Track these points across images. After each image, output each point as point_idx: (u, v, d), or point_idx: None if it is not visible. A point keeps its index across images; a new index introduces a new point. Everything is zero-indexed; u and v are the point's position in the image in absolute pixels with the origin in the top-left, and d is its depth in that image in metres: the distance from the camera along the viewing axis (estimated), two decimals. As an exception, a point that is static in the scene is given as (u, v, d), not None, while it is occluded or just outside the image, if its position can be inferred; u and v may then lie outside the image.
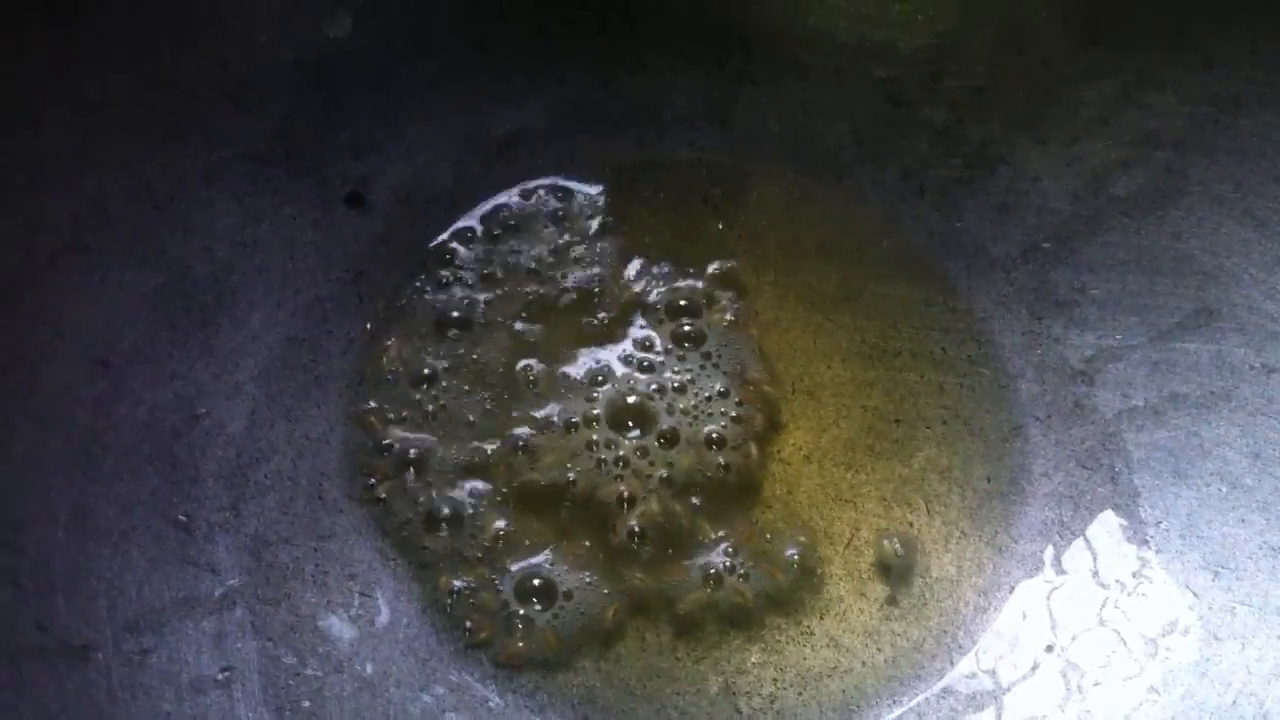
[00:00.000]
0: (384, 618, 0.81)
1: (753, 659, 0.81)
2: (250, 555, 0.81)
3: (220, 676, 0.76)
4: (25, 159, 0.80)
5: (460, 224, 0.93)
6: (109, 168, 0.83)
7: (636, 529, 0.83)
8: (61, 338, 0.80)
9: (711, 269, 0.93)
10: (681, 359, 0.89)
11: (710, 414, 0.87)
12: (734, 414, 0.88)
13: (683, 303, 0.91)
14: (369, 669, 0.79)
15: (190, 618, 0.78)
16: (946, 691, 0.81)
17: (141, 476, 0.80)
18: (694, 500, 0.85)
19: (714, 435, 0.87)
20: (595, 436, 0.86)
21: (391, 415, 0.87)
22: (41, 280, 0.80)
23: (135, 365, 0.82)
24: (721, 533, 0.84)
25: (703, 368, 0.89)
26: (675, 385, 0.88)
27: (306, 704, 0.77)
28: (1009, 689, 0.81)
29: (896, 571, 0.84)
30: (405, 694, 0.78)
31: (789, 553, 0.84)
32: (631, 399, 0.87)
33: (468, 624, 0.81)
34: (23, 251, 0.79)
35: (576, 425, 0.86)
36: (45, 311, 0.80)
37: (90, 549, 0.76)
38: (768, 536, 0.85)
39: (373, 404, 0.87)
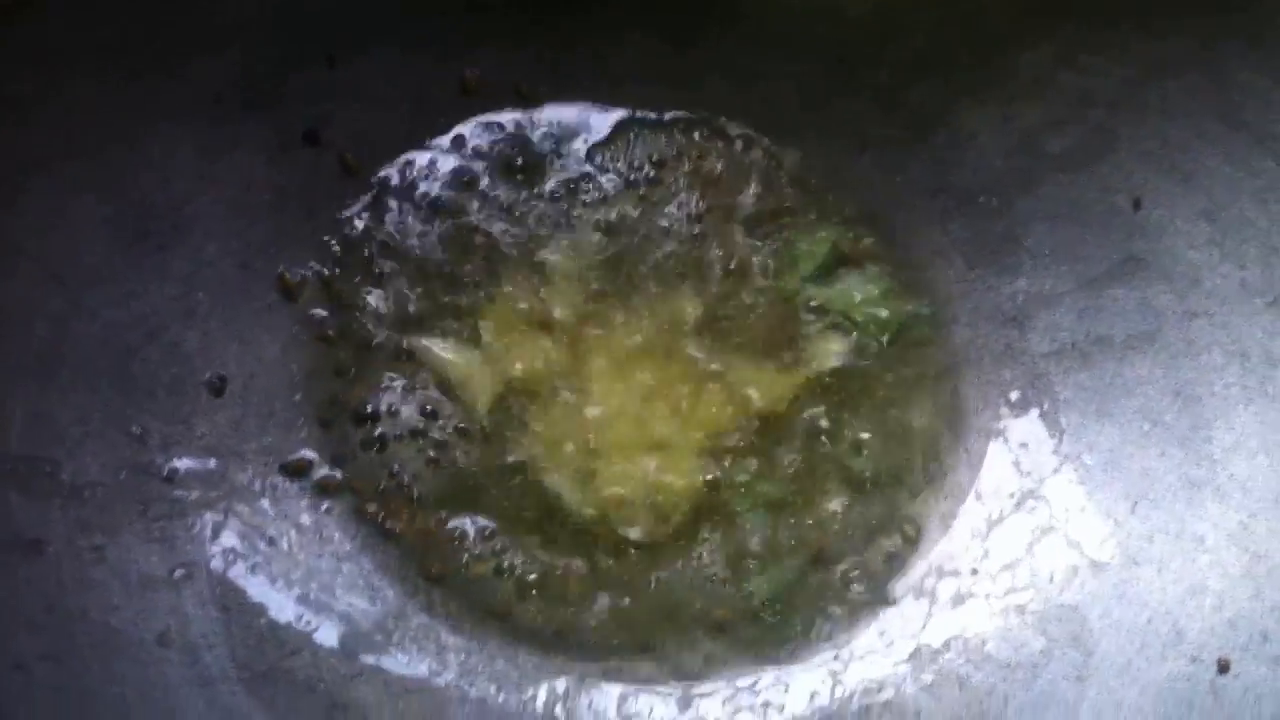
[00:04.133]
0: (332, 531, 0.83)
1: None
2: (201, 467, 0.83)
3: (170, 576, 0.78)
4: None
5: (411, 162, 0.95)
6: (74, 98, 0.84)
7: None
8: (21, 255, 0.81)
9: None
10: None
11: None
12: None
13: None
14: (311, 579, 0.81)
15: (142, 521, 0.79)
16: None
17: (96, 389, 0.82)
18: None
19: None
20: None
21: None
22: (3, 204, 0.81)
23: (92, 284, 0.84)
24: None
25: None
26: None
27: (254, 599, 0.78)
28: (940, 608, 0.84)
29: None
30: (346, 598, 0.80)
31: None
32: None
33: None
34: (-12, 170, 0.81)
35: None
36: (6, 232, 0.81)
37: (44, 452, 0.78)
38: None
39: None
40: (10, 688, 0.70)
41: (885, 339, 0.93)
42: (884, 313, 0.94)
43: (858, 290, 0.94)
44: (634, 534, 0.87)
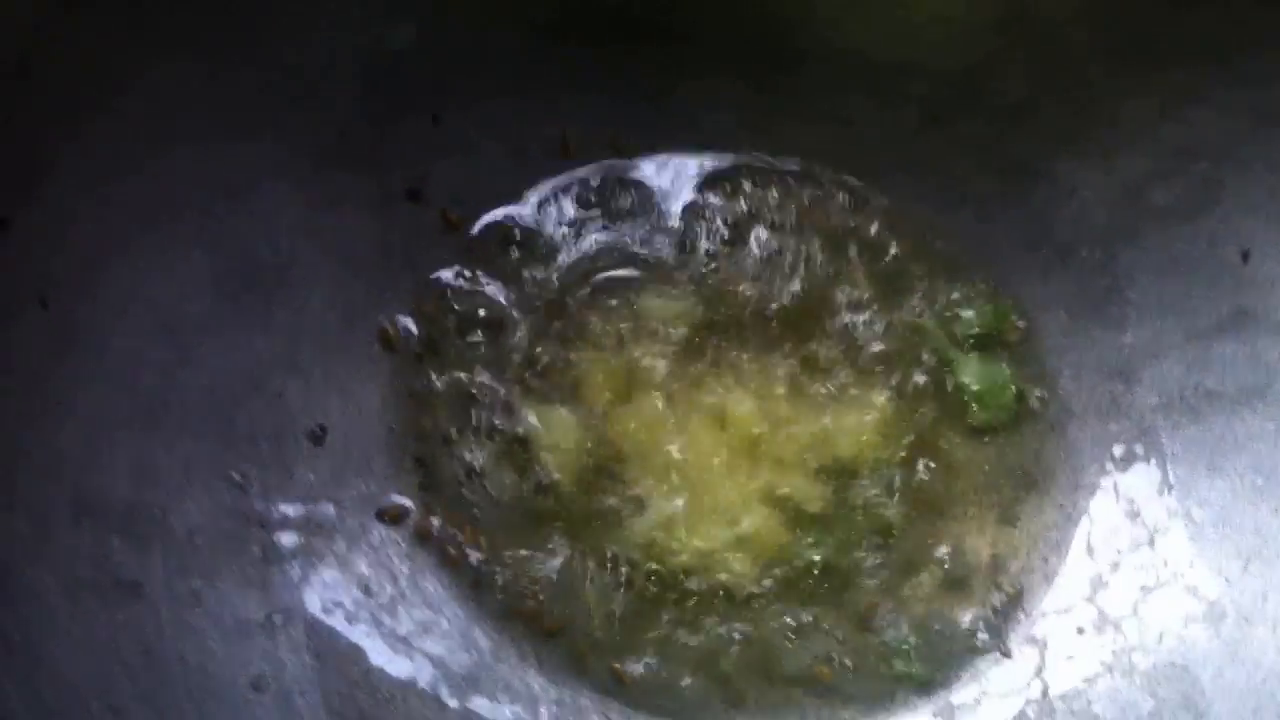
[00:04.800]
0: (427, 579, 0.84)
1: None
2: (301, 516, 0.84)
3: (265, 621, 0.79)
4: (103, 143, 0.84)
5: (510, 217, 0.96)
6: (181, 156, 0.87)
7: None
8: (131, 302, 0.83)
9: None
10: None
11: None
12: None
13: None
14: (405, 625, 0.81)
15: (239, 566, 0.80)
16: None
17: (201, 437, 0.83)
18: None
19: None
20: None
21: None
22: (116, 254, 0.83)
23: (200, 335, 0.86)
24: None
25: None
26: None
27: (348, 647, 0.79)
28: (1045, 667, 0.82)
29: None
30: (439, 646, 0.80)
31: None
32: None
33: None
34: (99, 227, 0.83)
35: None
36: (118, 282, 0.83)
37: (148, 498, 0.79)
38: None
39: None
40: (106, 728, 0.71)
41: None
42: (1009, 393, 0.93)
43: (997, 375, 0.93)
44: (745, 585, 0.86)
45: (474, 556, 0.86)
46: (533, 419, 0.89)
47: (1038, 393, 0.92)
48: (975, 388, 0.91)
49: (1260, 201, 0.90)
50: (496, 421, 0.89)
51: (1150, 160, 0.93)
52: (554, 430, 0.89)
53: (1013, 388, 0.92)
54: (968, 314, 0.94)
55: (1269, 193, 0.90)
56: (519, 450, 0.89)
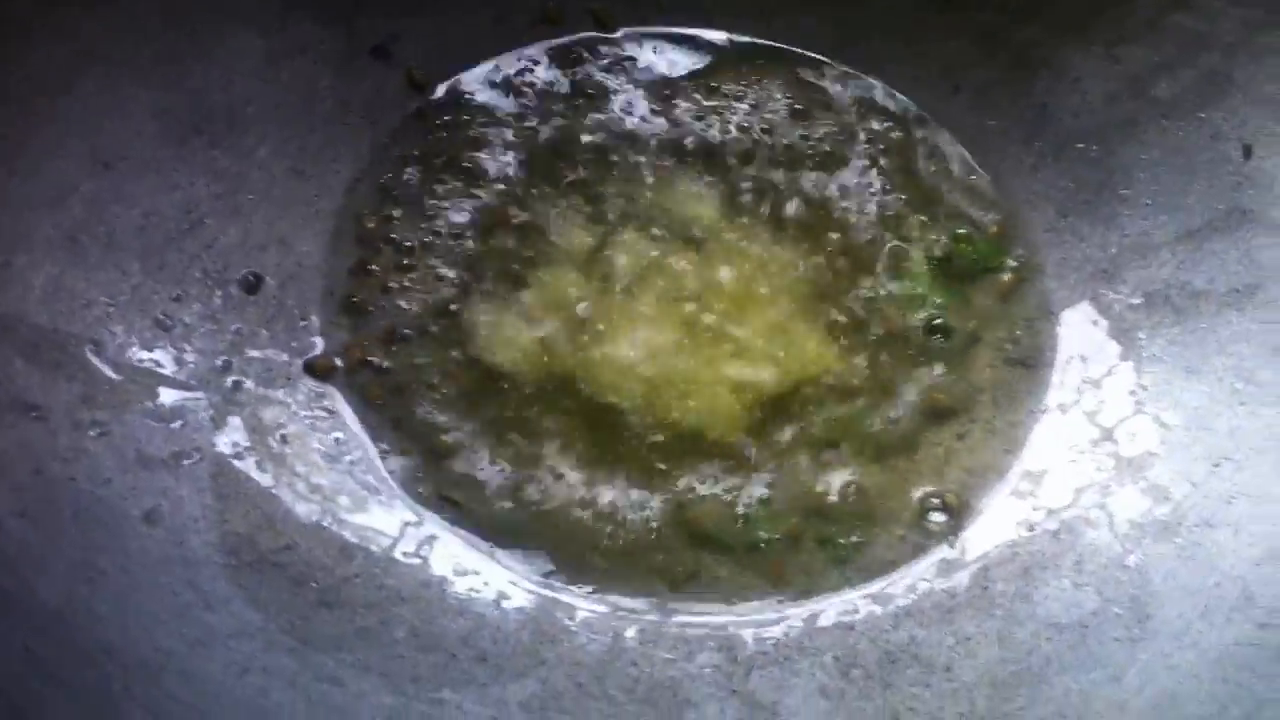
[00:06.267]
0: (349, 437, 0.81)
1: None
2: (222, 360, 0.81)
3: (169, 459, 0.76)
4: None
5: (478, 82, 0.93)
6: (141, -10, 0.84)
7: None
8: (69, 136, 0.81)
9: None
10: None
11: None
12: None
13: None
14: (320, 477, 0.78)
15: (151, 405, 0.77)
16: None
17: (127, 272, 0.81)
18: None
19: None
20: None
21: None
22: (58, 83, 0.81)
23: (138, 172, 0.83)
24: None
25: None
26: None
27: (253, 492, 0.76)
28: (987, 562, 0.77)
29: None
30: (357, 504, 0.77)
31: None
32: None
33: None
34: (47, 53, 0.81)
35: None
36: (57, 111, 0.81)
37: (61, 326, 0.76)
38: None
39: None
40: (-25, 538, 0.69)
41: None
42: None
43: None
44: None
45: (393, 413, 0.82)
46: (477, 316, 0.85)
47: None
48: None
49: (1269, 95, 0.85)
50: (430, 301, 0.85)
51: (1158, 51, 0.88)
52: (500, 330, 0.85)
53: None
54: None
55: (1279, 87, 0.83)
56: (454, 331, 0.85)
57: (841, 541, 0.80)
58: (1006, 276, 0.87)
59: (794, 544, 0.80)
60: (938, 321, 0.86)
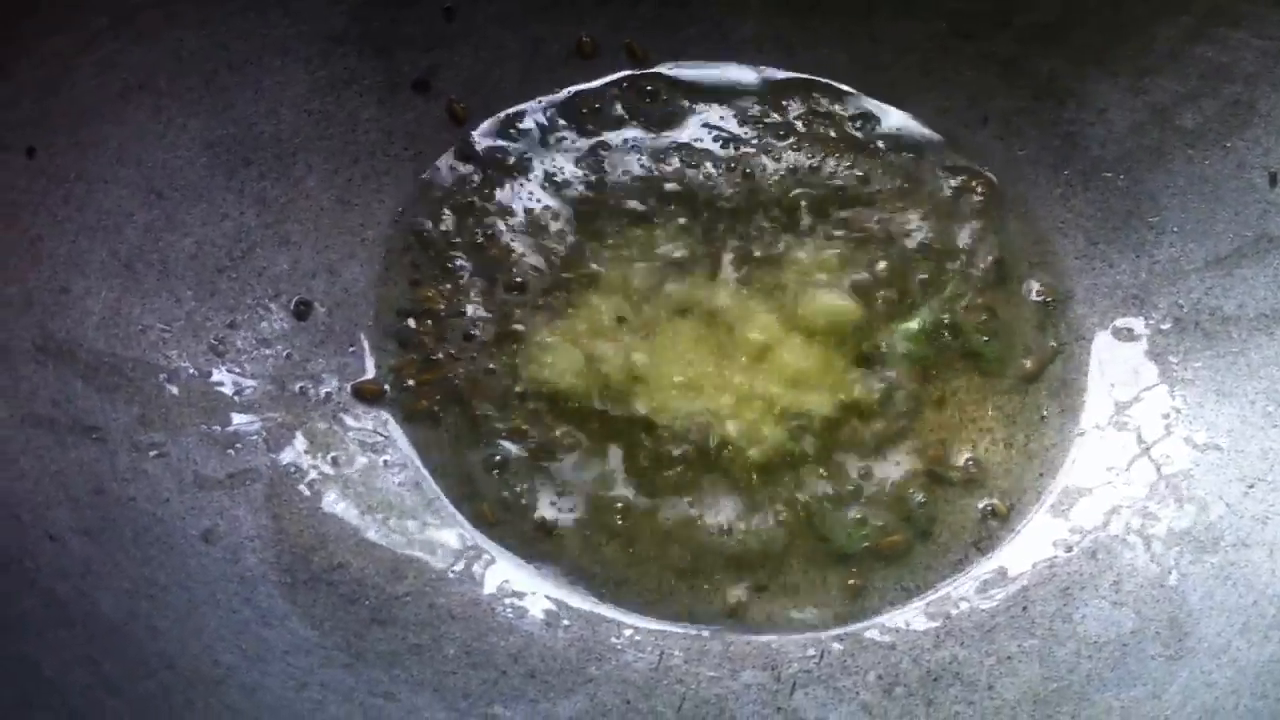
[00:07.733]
0: (398, 458, 0.82)
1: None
2: (274, 385, 0.83)
3: (226, 480, 0.77)
4: (108, 5, 0.83)
5: (518, 116, 0.95)
6: (189, 24, 0.86)
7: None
8: (121, 165, 0.83)
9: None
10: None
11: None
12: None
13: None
14: (371, 498, 0.80)
15: (206, 427, 0.79)
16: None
17: (181, 298, 0.82)
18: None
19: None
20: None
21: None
22: (110, 114, 0.83)
23: (189, 202, 0.85)
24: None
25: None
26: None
27: (307, 512, 0.77)
28: (1027, 583, 0.79)
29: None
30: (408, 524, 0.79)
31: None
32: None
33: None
34: (97, 84, 0.83)
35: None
36: (109, 140, 0.83)
37: (118, 350, 0.78)
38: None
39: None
40: (39, 554, 0.70)
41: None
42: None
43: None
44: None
45: (449, 436, 0.84)
46: (526, 339, 0.87)
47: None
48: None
49: (1293, 125, 0.86)
50: (475, 333, 0.87)
51: (1181, 82, 0.89)
52: (549, 354, 0.87)
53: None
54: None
55: (1303, 116, 0.86)
56: (503, 355, 0.86)
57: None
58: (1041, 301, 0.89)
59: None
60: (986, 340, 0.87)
